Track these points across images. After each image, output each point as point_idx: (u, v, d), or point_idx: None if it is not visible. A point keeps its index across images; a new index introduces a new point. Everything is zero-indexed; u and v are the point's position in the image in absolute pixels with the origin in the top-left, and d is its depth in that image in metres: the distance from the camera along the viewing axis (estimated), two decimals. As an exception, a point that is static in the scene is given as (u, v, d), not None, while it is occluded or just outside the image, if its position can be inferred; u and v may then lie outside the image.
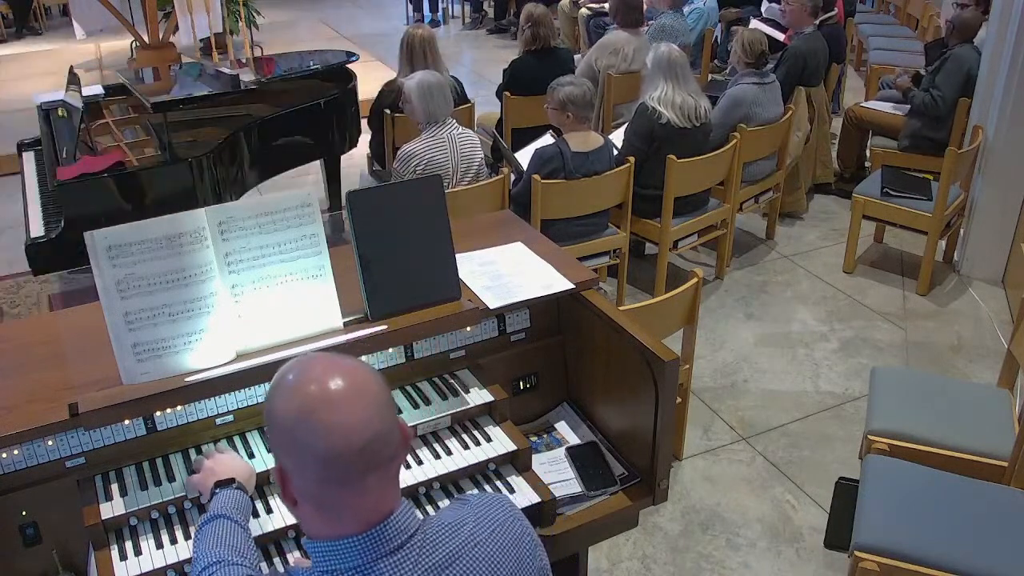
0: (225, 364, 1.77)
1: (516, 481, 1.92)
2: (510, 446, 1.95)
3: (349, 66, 4.92)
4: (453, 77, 4.50)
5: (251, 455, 1.82)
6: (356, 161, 5.50)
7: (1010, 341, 2.86)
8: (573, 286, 2.12)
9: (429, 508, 1.86)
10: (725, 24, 6.66)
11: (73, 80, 4.23)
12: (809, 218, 5.25)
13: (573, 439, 2.14)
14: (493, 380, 2.07)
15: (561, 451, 2.09)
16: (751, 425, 3.46)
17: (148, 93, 4.03)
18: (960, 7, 5.24)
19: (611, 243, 3.99)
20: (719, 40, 6.59)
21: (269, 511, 1.75)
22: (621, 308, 2.40)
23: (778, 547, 2.88)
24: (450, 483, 1.92)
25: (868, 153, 5.62)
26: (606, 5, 7.12)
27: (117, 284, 1.67)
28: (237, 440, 1.88)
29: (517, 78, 4.92)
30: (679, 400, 3.08)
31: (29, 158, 4.14)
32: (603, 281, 4.20)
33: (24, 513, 1.69)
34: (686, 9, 6.20)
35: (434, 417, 1.97)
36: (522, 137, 4.55)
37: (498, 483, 1.92)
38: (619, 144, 4.21)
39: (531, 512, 1.87)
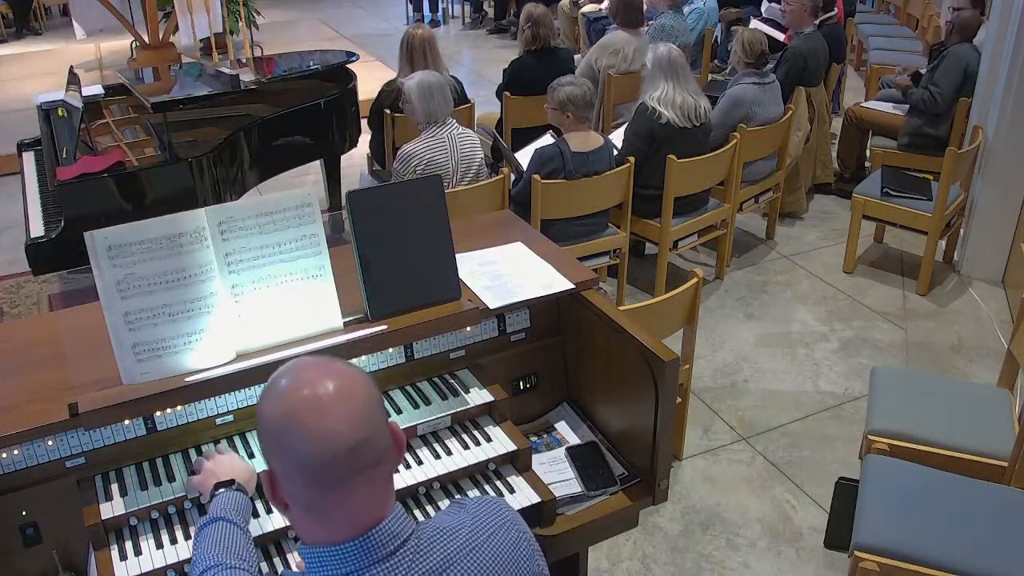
0: (225, 364, 1.77)
1: (516, 481, 1.92)
2: (510, 446, 1.95)
3: (349, 66, 4.92)
4: (453, 77, 4.50)
5: (251, 455, 1.82)
6: (356, 161, 5.50)
7: (1010, 341, 2.86)
8: (573, 286, 2.12)
9: (429, 508, 1.86)
10: (725, 24, 6.66)
11: (73, 80, 4.23)
12: (809, 218, 5.25)
13: (573, 439, 2.14)
14: (493, 380, 2.07)
15: (561, 451, 2.09)
16: (751, 425, 3.46)
17: (148, 93, 4.03)
18: (956, 11, 5.25)
19: (611, 243, 3.99)
20: (719, 40, 6.59)
21: (269, 511, 1.75)
22: (621, 308, 2.40)
23: (778, 547, 2.88)
24: (450, 483, 1.92)
25: (868, 153, 5.62)
26: (602, 6, 7.14)
27: (117, 284, 1.67)
28: (237, 440, 1.88)
29: (517, 78, 4.92)
30: (679, 400, 3.08)
31: (29, 158, 4.14)
32: (603, 281, 4.20)
33: (24, 513, 1.69)
34: (686, 9, 6.20)
35: (434, 417, 1.97)
36: (522, 137, 4.55)
37: (498, 483, 1.92)
38: (619, 144, 4.21)
39: (531, 512, 1.87)
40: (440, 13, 10.77)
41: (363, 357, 1.96)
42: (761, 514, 3.02)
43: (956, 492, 2.40)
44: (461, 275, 2.04)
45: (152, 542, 1.69)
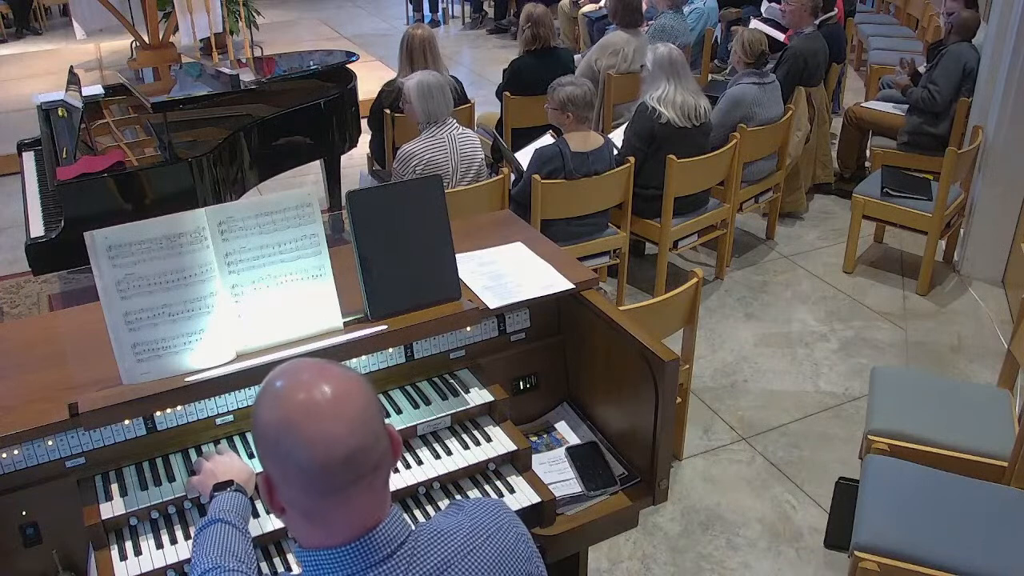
0: (225, 364, 1.77)
1: (516, 481, 1.92)
2: (510, 446, 1.95)
3: (349, 66, 4.92)
4: (453, 77, 4.50)
5: (251, 455, 1.82)
6: (356, 161, 5.50)
7: (1010, 341, 2.86)
8: (573, 286, 2.12)
9: (429, 508, 1.87)
10: (725, 24, 6.66)
11: (73, 80, 4.23)
12: (809, 218, 5.25)
13: (573, 439, 2.14)
14: (493, 380, 2.07)
15: (561, 451, 2.09)
16: (751, 425, 3.46)
17: (148, 93, 4.03)
18: (949, 16, 5.27)
19: (611, 243, 3.99)
20: (719, 40, 6.59)
21: (269, 511, 1.75)
22: (621, 308, 2.40)
23: (778, 547, 2.88)
24: (450, 483, 1.92)
25: (868, 153, 5.62)
26: (601, 5, 7.14)
27: (117, 284, 1.67)
28: (237, 440, 1.88)
29: (517, 78, 4.92)
30: (679, 400, 3.08)
31: (29, 158, 4.14)
32: (603, 281, 4.20)
33: (24, 513, 1.69)
34: (686, 9, 6.20)
35: (434, 417, 1.97)
36: (522, 137, 4.55)
37: (498, 483, 1.92)
38: (619, 144, 4.21)
39: (531, 512, 1.87)
40: (440, 13, 10.77)
41: (363, 357, 1.96)
42: (761, 514, 3.02)
43: (956, 492, 2.40)
44: (461, 275, 2.04)
45: (152, 542, 1.69)
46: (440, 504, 1.87)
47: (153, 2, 7.27)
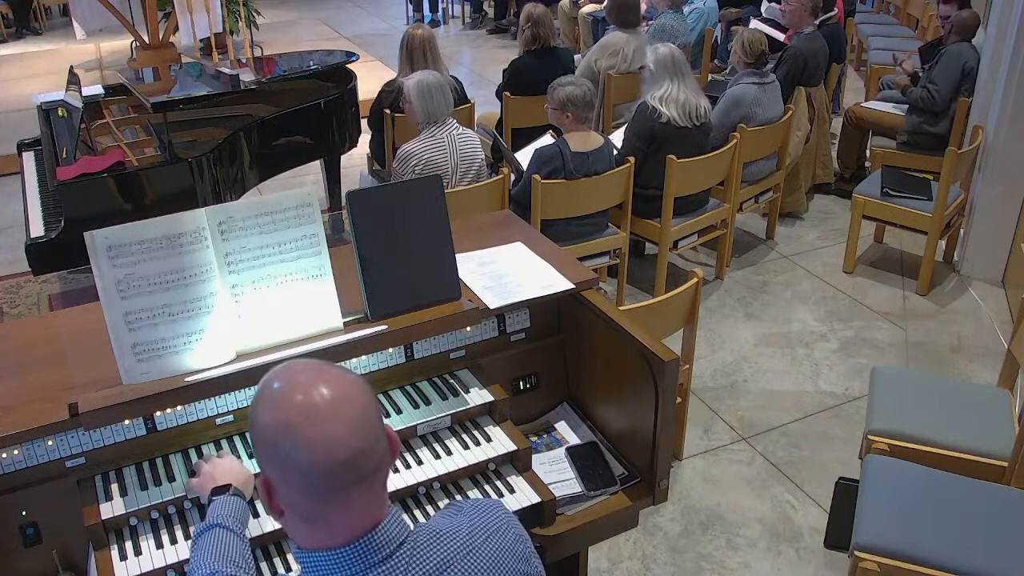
0: (225, 364, 1.77)
1: (516, 481, 1.92)
2: (510, 446, 1.95)
3: (349, 66, 4.92)
4: (453, 77, 4.50)
5: (251, 455, 1.82)
6: (356, 161, 5.50)
7: (1010, 341, 2.86)
8: (573, 286, 2.12)
9: (429, 508, 1.87)
10: (725, 24, 6.65)
11: (73, 80, 4.23)
12: (809, 218, 5.25)
13: (573, 439, 2.14)
14: (493, 380, 2.07)
15: (561, 451, 2.09)
16: (751, 425, 3.46)
17: (148, 93, 4.03)
18: (943, 19, 5.28)
19: (611, 243, 3.99)
20: (719, 40, 6.59)
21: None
22: (621, 308, 2.40)
23: (778, 547, 2.88)
24: (450, 483, 1.92)
25: (868, 153, 5.62)
26: (603, 6, 7.14)
27: (117, 284, 1.67)
28: (237, 440, 1.88)
29: (517, 78, 4.92)
30: (679, 400, 3.08)
31: (29, 158, 4.14)
32: (603, 281, 4.20)
33: (24, 513, 1.69)
34: (686, 9, 6.19)
35: (434, 417, 1.97)
36: (522, 137, 4.55)
37: (498, 483, 1.92)
38: (619, 144, 4.21)
39: (531, 512, 1.87)
40: (440, 13, 10.77)
41: (363, 357, 1.96)
42: (761, 514, 3.02)
43: (956, 492, 2.40)
44: (461, 275, 2.04)
45: (152, 542, 1.69)
46: (440, 504, 1.87)
47: (153, 2, 7.27)
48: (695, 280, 2.84)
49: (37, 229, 3.45)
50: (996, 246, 4.41)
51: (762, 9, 6.54)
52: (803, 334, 4.07)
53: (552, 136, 4.09)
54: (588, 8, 7.67)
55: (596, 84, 5.03)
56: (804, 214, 5.27)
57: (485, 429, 2.00)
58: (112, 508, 1.70)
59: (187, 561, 1.63)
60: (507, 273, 2.18)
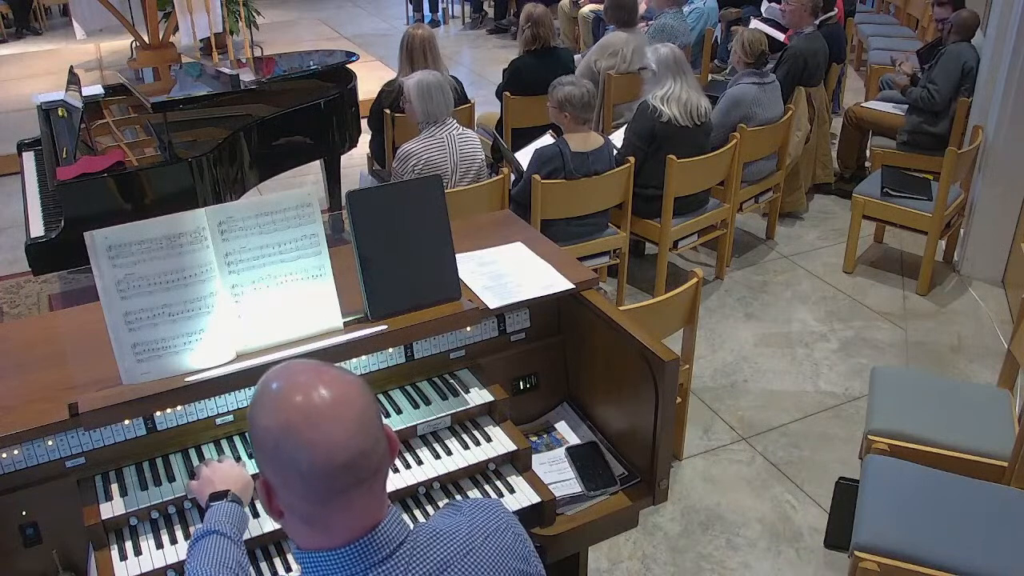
0: (225, 364, 1.77)
1: (516, 481, 1.92)
2: (510, 446, 1.95)
3: (349, 66, 4.92)
4: (453, 77, 4.50)
5: (251, 455, 1.82)
6: (356, 161, 5.50)
7: (1010, 341, 2.86)
8: (573, 286, 2.12)
9: (429, 508, 1.87)
10: (725, 24, 6.65)
11: (73, 80, 4.23)
12: (809, 218, 5.25)
13: (573, 439, 2.14)
14: (493, 380, 2.07)
15: (561, 451, 2.09)
16: (751, 425, 3.46)
17: (148, 93, 4.03)
18: (939, 21, 5.28)
19: (611, 243, 3.99)
20: (719, 40, 6.59)
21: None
22: (621, 308, 2.40)
23: (778, 547, 2.88)
24: (450, 483, 1.92)
25: (868, 153, 5.62)
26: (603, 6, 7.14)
27: (117, 284, 1.67)
28: (237, 440, 1.88)
29: (517, 78, 4.92)
30: (679, 400, 3.08)
31: (29, 158, 4.14)
32: (603, 281, 4.20)
33: (24, 513, 1.69)
34: (686, 9, 6.20)
35: (434, 417, 1.97)
36: (522, 137, 4.55)
37: (498, 483, 1.92)
38: (619, 144, 4.21)
39: (531, 512, 1.87)
40: (440, 13, 10.77)
41: (363, 357, 1.96)
42: (761, 514, 3.02)
43: (956, 492, 2.40)
44: (461, 275, 2.04)
45: (152, 542, 1.69)
46: (440, 504, 1.87)
47: (153, 2, 7.27)
48: (695, 280, 2.84)
49: (37, 229, 3.45)
50: (996, 246, 4.41)
51: (762, 9, 6.54)
52: (803, 334, 4.07)
53: (552, 136, 4.09)
54: (589, 8, 7.67)
55: (596, 84, 5.03)
56: (804, 214, 5.27)
57: (485, 429, 2.00)
58: (112, 508, 1.70)
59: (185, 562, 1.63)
60: (507, 273, 2.18)
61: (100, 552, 1.66)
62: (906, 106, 5.07)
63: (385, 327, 1.90)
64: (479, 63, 8.86)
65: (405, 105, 3.81)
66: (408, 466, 1.90)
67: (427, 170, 3.64)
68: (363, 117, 4.80)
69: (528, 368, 2.19)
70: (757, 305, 4.32)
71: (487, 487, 1.91)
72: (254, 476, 1.72)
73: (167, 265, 1.71)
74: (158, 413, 1.78)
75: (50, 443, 1.70)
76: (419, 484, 1.87)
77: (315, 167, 5.15)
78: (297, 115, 4.35)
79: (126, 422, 1.76)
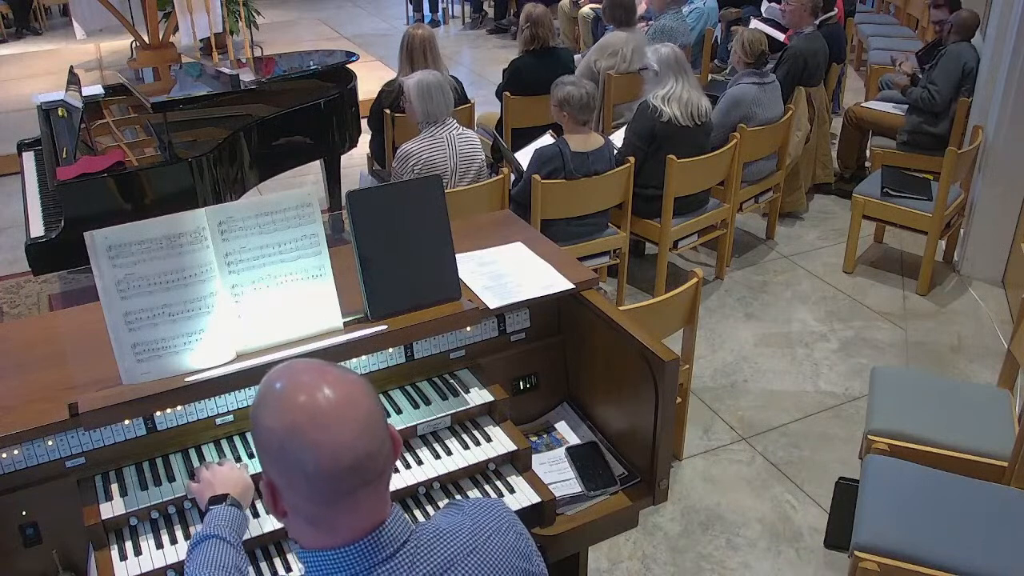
0: (225, 364, 1.77)
1: (516, 481, 1.92)
2: (510, 446, 1.95)
3: (349, 66, 4.92)
4: (453, 77, 4.50)
5: (252, 455, 1.82)
6: (356, 161, 5.50)
7: (1010, 341, 2.86)
8: (573, 286, 2.12)
9: (429, 508, 1.87)
10: (725, 24, 6.66)
11: (73, 80, 4.23)
12: (809, 218, 5.25)
13: (573, 439, 2.14)
14: (493, 380, 2.07)
15: (561, 451, 2.09)
16: (751, 425, 3.46)
17: (148, 93, 4.03)
18: (937, 24, 5.28)
19: (611, 243, 3.99)
20: (719, 40, 6.59)
21: (268, 512, 1.75)
22: (621, 308, 2.40)
23: (778, 547, 2.88)
24: (450, 483, 1.92)
25: (868, 153, 5.62)
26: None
27: (117, 284, 1.67)
28: (237, 440, 1.88)
29: (517, 78, 4.92)
30: (679, 400, 3.08)
31: (29, 158, 4.14)
32: (603, 281, 4.20)
33: (24, 513, 1.69)
34: (686, 9, 6.19)
35: (434, 417, 1.97)
36: (522, 137, 4.55)
37: (498, 483, 1.92)
38: (619, 144, 4.21)
39: (531, 512, 1.87)
40: (440, 13, 10.77)
41: (363, 357, 1.96)
42: (761, 514, 3.02)
43: (956, 492, 2.40)
44: (461, 275, 2.04)
45: (152, 542, 1.69)
46: (440, 504, 1.87)
47: (153, 2, 7.27)
48: (695, 280, 2.84)
49: (37, 229, 3.45)
50: (996, 246, 4.41)
51: (762, 9, 6.54)
52: (803, 334, 4.07)
53: (552, 136, 4.09)
54: (588, 8, 7.67)
55: (596, 85, 5.03)
56: (804, 214, 5.27)
57: (485, 429, 2.00)
58: (112, 508, 1.70)
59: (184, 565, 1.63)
60: (507, 273, 2.18)
61: (100, 552, 1.66)
62: (906, 106, 5.07)
63: (385, 327, 1.90)
64: (479, 63, 8.86)
65: (405, 105, 3.81)
66: (408, 466, 1.90)
67: (427, 170, 3.64)
68: (363, 117, 4.80)
69: (528, 368, 2.19)
70: (757, 305, 4.32)
71: (487, 487, 1.91)
72: (256, 477, 1.73)
73: (167, 265, 1.71)
74: (158, 413, 1.78)
75: (50, 443, 1.70)
76: (419, 484, 1.87)
77: (315, 167, 5.15)
78: (297, 115, 4.35)
79: (126, 422, 1.76)
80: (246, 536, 1.59)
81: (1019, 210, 4.30)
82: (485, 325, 2.10)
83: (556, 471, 2.02)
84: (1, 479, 1.67)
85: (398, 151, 3.75)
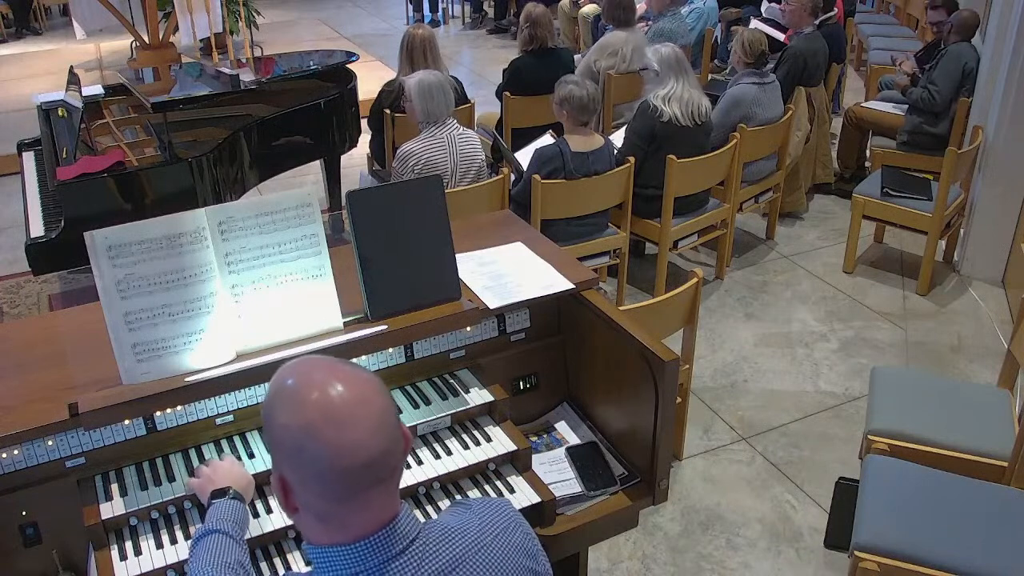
0: (225, 364, 1.77)
1: (516, 481, 1.92)
2: (510, 446, 1.95)
3: (349, 66, 4.92)
4: (453, 77, 4.50)
5: (251, 455, 1.83)
6: (356, 161, 5.50)
7: (1010, 341, 2.86)
8: (573, 286, 2.12)
9: (429, 508, 1.87)
10: (725, 24, 6.66)
11: (73, 80, 4.23)
12: (809, 218, 5.25)
13: (573, 439, 2.14)
14: (493, 380, 2.07)
15: (561, 451, 2.09)
16: (751, 425, 3.46)
17: (148, 93, 4.03)
18: (934, 25, 5.29)
19: (611, 243, 3.99)
20: (719, 40, 6.59)
21: (269, 511, 1.75)
22: (621, 308, 2.40)
23: (778, 547, 2.88)
24: (450, 483, 1.92)
25: (868, 153, 5.62)
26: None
27: (117, 284, 1.67)
28: (237, 440, 1.88)
29: (517, 78, 4.92)
30: (679, 400, 3.08)
31: (29, 158, 4.14)
32: (603, 281, 4.20)
33: (24, 513, 1.69)
34: (685, 9, 6.20)
35: (434, 417, 1.97)
36: (522, 137, 4.55)
37: (498, 483, 1.92)
38: (619, 144, 4.21)
39: (531, 512, 1.87)
40: (440, 13, 10.77)
41: (363, 357, 1.96)
42: (761, 514, 3.02)
43: (956, 492, 2.40)
44: (461, 275, 2.04)
45: (152, 542, 1.69)
46: (440, 504, 1.88)
47: (153, 2, 7.27)
48: (695, 280, 2.84)
49: (37, 229, 3.45)
50: (996, 246, 4.41)
51: (762, 9, 6.54)
52: (803, 334, 4.07)
53: (552, 136, 4.10)
54: (588, 8, 7.67)
55: (597, 85, 5.03)
56: (804, 214, 5.27)
57: (485, 429, 2.00)
58: (112, 508, 1.70)
59: (187, 562, 1.63)
60: (507, 273, 2.18)
61: (100, 552, 1.66)
62: (906, 106, 5.07)
63: (385, 327, 1.90)
64: (479, 63, 8.86)
65: (405, 105, 3.81)
66: (408, 466, 1.90)
67: (427, 170, 3.64)
68: (363, 117, 4.80)
69: (528, 368, 2.19)
70: (757, 305, 4.32)
71: (487, 487, 1.91)
72: (262, 474, 1.73)
73: (167, 265, 1.71)
74: (158, 413, 1.78)
75: (50, 443, 1.70)
76: (419, 484, 1.87)
77: (315, 167, 5.15)
78: (297, 115, 4.35)
79: (126, 422, 1.76)
80: (246, 536, 1.59)
81: (1019, 210, 4.30)
82: (485, 325, 2.10)
83: (556, 471, 2.02)
84: (1, 479, 1.67)
85: (398, 151, 3.75)
